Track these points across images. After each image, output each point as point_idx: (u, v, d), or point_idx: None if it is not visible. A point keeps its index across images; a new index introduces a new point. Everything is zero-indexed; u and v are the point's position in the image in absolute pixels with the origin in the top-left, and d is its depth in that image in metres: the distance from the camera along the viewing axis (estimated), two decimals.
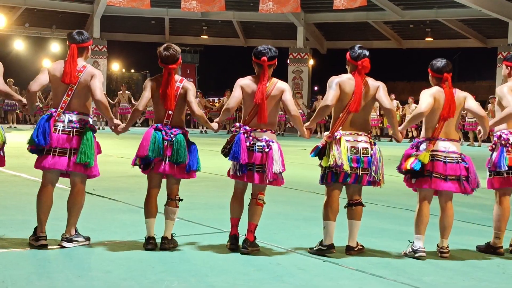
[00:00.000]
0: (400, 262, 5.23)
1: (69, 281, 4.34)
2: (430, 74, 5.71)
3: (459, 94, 5.63)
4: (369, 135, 5.45)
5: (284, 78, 29.21)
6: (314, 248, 5.41)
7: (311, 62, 30.21)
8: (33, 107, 5.51)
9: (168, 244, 5.35)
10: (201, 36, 31.67)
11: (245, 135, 5.31)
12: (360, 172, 5.35)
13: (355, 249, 5.43)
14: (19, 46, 29.78)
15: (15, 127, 23.64)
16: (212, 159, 10.87)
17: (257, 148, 5.29)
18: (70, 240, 5.27)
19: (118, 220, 5.99)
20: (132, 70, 52.08)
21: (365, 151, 5.36)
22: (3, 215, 6.42)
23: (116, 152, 13.92)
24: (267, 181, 5.31)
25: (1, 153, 5.35)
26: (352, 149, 5.33)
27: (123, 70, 49.04)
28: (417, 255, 5.34)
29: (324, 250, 5.33)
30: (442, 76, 5.59)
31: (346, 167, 5.26)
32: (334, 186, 5.42)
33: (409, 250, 5.42)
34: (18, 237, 5.56)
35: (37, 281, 4.34)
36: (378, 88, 5.46)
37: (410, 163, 5.41)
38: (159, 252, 5.25)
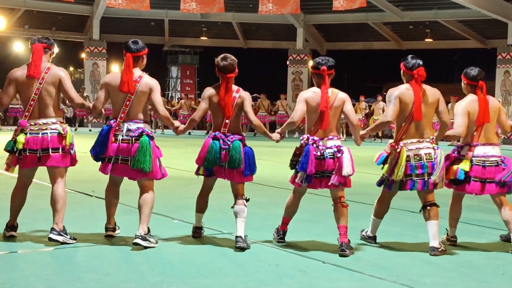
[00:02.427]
0: (399, 264, 5.23)
1: (69, 283, 4.34)
2: (465, 82, 6.03)
3: (493, 101, 6.03)
4: (431, 141, 5.66)
5: (284, 80, 29.27)
6: (362, 233, 6.04)
7: (311, 63, 30.17)
8: (101, 115, 5.90)
9: (243, 242, 5.50)
10: (201, 38, 31.66)
11: (314, 145, 5.50)
12: (426, 178, 5.57)
13: (439, 249, 5.54)
14: (18, 48, 29.79)
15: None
16: None
17: (329, 155, 5.50)
18: (144, 239, 5.39)
19: (118, 221, 5.99)
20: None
21: (428, 157, 5.59)
22: (1, 217, 6.41)
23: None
24: (333, 184, 5.49)
25: (72, 153, 5.59)
26: (416, 156, 5.58)
27: None
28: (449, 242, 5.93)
29: (367, 239, 5.97)
30: (477, 83, 5.94)
31: (395, 176, 5.55)
32: (393, 191, 5.77)
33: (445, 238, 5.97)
34: (18, 238, 5.56)
35: (36, 283, 4.33)
36: (439, 99, 5.77)
37: (454, 173, 5.78)
38: (159, 254, 5.25)
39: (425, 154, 5.58)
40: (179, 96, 41.26)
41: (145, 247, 5.35)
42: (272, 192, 8.93)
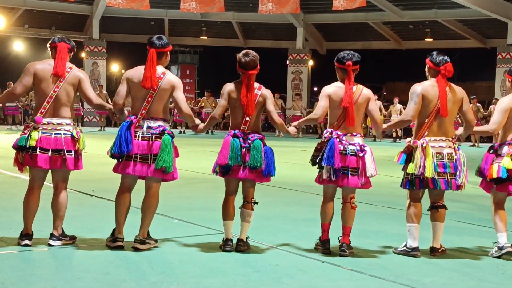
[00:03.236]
0: (399, 263, 5.23)
1: (68, 283, 4.34)
2: (509, 79, 5.82)
3: None
4: (452, 140, 5.55)
5: (284, 79, 29.27)
6: (399, 249, 5.57)
7: (311, 63, 30.21)
8: (123, 116, 5.58)
9: (244, 246, 5.43)
10: (201, 37, 31.67)
11: (338, 139, 5.41)
12: (448, 178, 5.47)
13: (439, 250, 5.53)
14: (18, 47, 29.80)
15: (17, 128, 23.67)
16: (210, 160, 10.84)
17: (351, 152, 5.42)
18: (143, 242, 5.34)
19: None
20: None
21: (450, 157, 5.49)
22: (2, 217, 6.41)
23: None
24: (360, 184, 5.43)
25: (80, 158, 5.48)
26: (438, 155, 5.46)
27: (123, 71, 48.88)
28: (504, 251, 5.47)
29: (410, 252, 5.48)
30: None
31: (428, 173, 5.40)
32: (419, 191, 5.61)
33: (496, 250, 5.55)
34: (17, 238, 5.56)
35: (36, 282, 4.33)
36: (464, 98, 5.65)
37: (496, 171, 5.51)
38: (158, 254, 5.25)
39: (448, 153, 5.47)
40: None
41: (143, 250, 5.29)
42: (272, 191, 8.91)
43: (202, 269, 4.82)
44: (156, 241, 5.50)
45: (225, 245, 5.41)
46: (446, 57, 5.65)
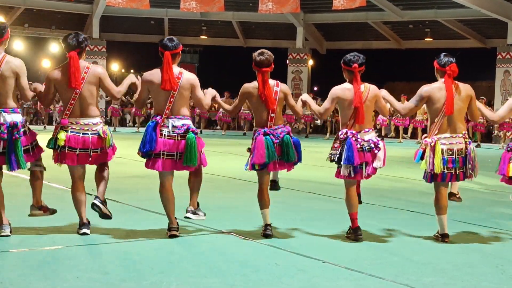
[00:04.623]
0: (399, 263, 5.23)
1: (68, 282, 4.34)
2: None
3: None
4: (464, 136, 5.89)
5: (284, 79, 29.23)
6: (436, 234, 6.05)
7: (311, 62, 30.19)
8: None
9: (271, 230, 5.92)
10: (201, 37, 31.65)
11: (353, 138, 5.74)
12: (457, 171, 5.87)
13: (457, 195, 6.10)
14: (18, 46, 29.77)
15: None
16: (212, 159, 10.83)
17: (367, 148, 5.78)
18: (194, 213, 5.86)
19: (117, 221, 5.99)
20: (132, 71, 52.03)
21: (460, 152, 5.86)
22: (10, 217, 6.39)
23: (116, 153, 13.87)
24: (366, 174, 5.83)
25: (108, 150, 5.83)
26: (448, 151, 5.84)
27: (123, 71, 49.03)
28: None
29: (440, 237, 5.96)
30: None
31: (437, 170, 5.78)
32: (441, 184, 5.95)
33: None
34: (17, 237, 5.56)
35: (35, 282, 4.33)
36: (472, 96, 6.00)
37: None
38: (158, 253, 5.25)
39: (458, 149, 5.84)
40: None
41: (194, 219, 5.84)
42: (272, 191, 8.88)
43: (202, 269, 4.82)
44: (204, 214, 6.08)
45: (265, 230, 5.89)
46: (451, 58, 5.97)
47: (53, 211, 6.00)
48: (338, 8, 25.30)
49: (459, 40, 28.89)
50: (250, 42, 31.31)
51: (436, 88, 5.92)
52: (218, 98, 6.27)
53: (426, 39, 29.06)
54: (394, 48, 30.56)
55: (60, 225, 6.14)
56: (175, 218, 5.85)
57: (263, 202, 5.96)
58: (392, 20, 27.80)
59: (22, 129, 5.54)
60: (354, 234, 5.88)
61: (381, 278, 4.73)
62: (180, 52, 5.86)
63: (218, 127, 28.00)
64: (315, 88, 37.81)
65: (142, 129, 24.96)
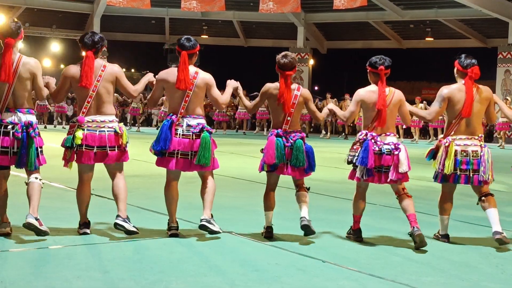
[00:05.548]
0: (399, 263, 5.23)
1: (68, 281, 4.34)
2: None
3: None
4: (479, 138, 5.88)
5: None
6: (436, 234, 6.10)
7: (311, 62, 30.22)
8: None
9: (306, 220, 5.74)
10: (201, 36, 31.64)
11: (372, 140, 5.69)
12: (471, 174, 5.82)
13: (503, 234, 5.71)
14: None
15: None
16: None
17: (386, 151, 5.70)
18: (209, 222, 5.65)
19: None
20: (133, 70, 52.07)
21: (474, 154, 5.84)
22: (10, 215, 6.39)
23: None
24: (390, 180, 5.72)
25: (125, 150, 5.75)
26: (462, 152, 5.83)
27: (124, 70, 48.84)
28: None
29: (441, 237, 6.02)
30: None
31: (447, 170, 5.78)
32: (449, 185, 5.96)
33: None
34: (17, 237, 5.56)
35: (35, 281, 4.33)
36: (493, 96, 6.05)
37: None
38: (158, 252, 5.25)
39: (472, 151, 5.82)
40: None
41: (212, 231, 5.61)
42: None
43: (201, 268, 4.82)
44: (220, 228, 5.77)
45: (267, 232, 5.88)
46: (473, 60, 5.99)
47: (45, 233, 5.46)
48: (339, 8, 25.33)
49: (460, 40, 28.92)
50: (251, 42, 31.33)
51: (456, 90, 5.91)
52: (240, 91, 6.22)
53: (426, 38, 29.09)
54: (394, 47, 30.58)
55: (60, 224, 6.14)
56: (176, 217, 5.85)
57: (268, 204, 5.95)
58: (393, 19, 27.83)
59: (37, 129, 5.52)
60: (355, 235, 5.92)
61: (381, 277, 4.73)
62: (197, 52, 5.89)
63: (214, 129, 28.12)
64: (316, 88, 37.78)
65: (143, 129, 25.10)
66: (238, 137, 23.72)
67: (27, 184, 5.50)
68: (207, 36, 31.67)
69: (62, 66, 40.49)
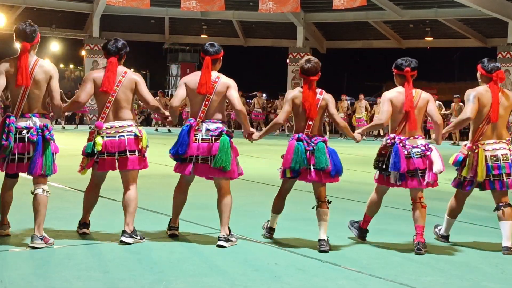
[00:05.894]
0: (398, 262, 5.23)
1: (68, 281, 4.34)
2: None
3: None
4: (507, 142, 5.80)
5: (284, 78, 29.26)
6: (435, 229, 6.12)
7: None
8: (175, 118, 6.02)
9: (326, 245, 5.50)
10: (201, 36, 31.64)
11: (401, 144, 5.57)
12: (504, 178, 5.69)
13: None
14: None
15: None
16: None
17: (415, 155, 5.59)
18: (227, 240, 5.54)
19: (117, 220, 6.00)
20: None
21: (505, 157, 5.72)
22: (12, 215, 6.39)
23: None
24: (425, 183, 5.60)
25: (145, 156, 5.67)
26: (492, 157, 5.71)
27: None
28: None
29: (441, 237, 6.07)
30: None
31: (480, 178, 5.65)
32: (468, 192, 5.90)
33: None
34: (17, 236, 5.56)
35: (35, 281, 4.33)
36: None
37: None
38: (157, 252, 5.25)
39: (502, 155, 5.71)
40: None
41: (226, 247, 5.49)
42: (272, 190, 8.90)
43: (201, 268, 4.82)
44: (236, 239, 5.69)
45: (268, 232, 5.89)
46: (497, 64, 5.95)
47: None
48: (339, 8, 25.29)
49: (460, 40, 28.90)
50: (251, 42, 31.31)
51: (483, 92, 5.81)
52: (256, 135, 5.94)
53: (426, 38, 29.07)
54: (394, 47, 30.54)
55: (60, 224, 6.14)
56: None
57: (276, 207, 5.88)
58: (393, 19, 27.80)
59: (53, 132, 5.42)
60: (359, 233, 5.93)
61: (381, 277, 4.73)
62: (221, 58, 5.81)
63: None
64: None
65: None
66: (236, 136, 23.73)
67: (33, 194, 5.33)
68: (206, 36, 31.64)
69: (61, 65, 40.60)
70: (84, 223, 5.82)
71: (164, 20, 30.35)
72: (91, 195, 5.82)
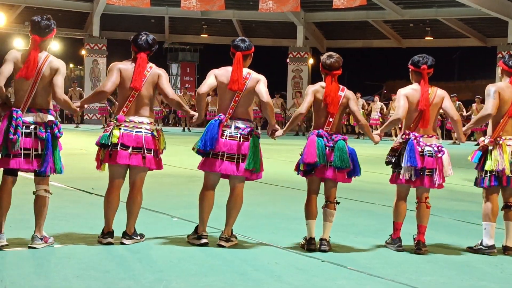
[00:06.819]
0: (398, 262, 5.23)
1: (68, 281, 4.35)
2: None
3: None
4: None
5: (284, 77, 29.26)
6: (474, 247, 5.67)
7: (311, 61, 30.18)
8: (202, 110, 5.71)
9: (327, 245, 5.47)
10: (201, 35, 31.68)
11: (415, 141, 5.53)
12: None
13: None
14: (19, 44, 29.78)
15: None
16: None
17: (428, 153, 5.53)
18: (227, 240, 5.48)
19: (116, 219, 5.98)
20: None
21: None
22: (11, 215, 6.39)
23: None
24: (436, 184, 5.55)
25: (159, 158, 5.53)
26: None
27: None
28: None
29: (486, 250, 5.59)
30: None
31: (508, 171, 5.53)
32: (494, 189, 5.68)
33: None
34: (17, 236, 5.56)
35: (35, 280, 4.34)
36: None
37: None
38: (158, 252, 5.25)
39: None
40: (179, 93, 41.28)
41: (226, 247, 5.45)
42: (272, 190, 8.91)
43: (201, 268, 4.83)
44: (236, 238, 5.62)
45: (309, 244, 5.49)
46: None
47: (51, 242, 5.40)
48: (339, 7, 25.31)
49: (460, 39, 28.92)
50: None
51: (504, 86, 5.70)
52: (280, 132, 5.78)
53: (426, 37, 29.08)
54: (394, 46, 30.59)
55: (60, 224, 6.14)
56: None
57: (309, 212, 5.61)
58: (393, 18, 27.82)
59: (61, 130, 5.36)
60: (395, 244, 5.64)
61: (380, 277, 4.73)
62: (252, 54, 5.73)
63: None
64: None
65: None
66: None
67: (35, 195, 5.30)
68: (206, 35, 31.68)
69: None
70: (108, 232, 5.46)
71: (164, 20, 30.37)
72: (112, 200, 5.49)
